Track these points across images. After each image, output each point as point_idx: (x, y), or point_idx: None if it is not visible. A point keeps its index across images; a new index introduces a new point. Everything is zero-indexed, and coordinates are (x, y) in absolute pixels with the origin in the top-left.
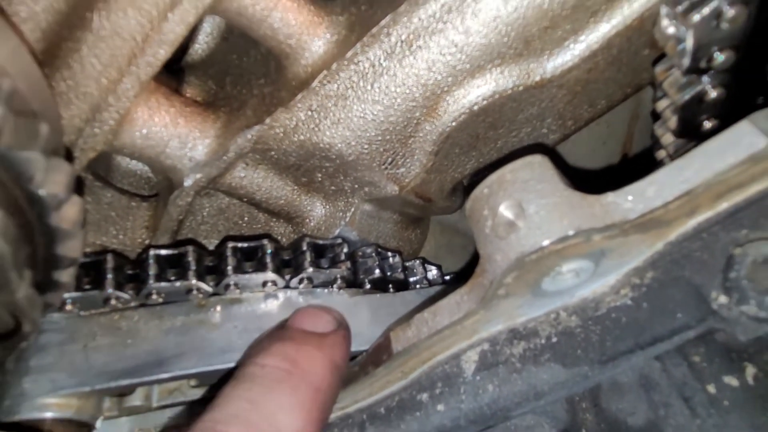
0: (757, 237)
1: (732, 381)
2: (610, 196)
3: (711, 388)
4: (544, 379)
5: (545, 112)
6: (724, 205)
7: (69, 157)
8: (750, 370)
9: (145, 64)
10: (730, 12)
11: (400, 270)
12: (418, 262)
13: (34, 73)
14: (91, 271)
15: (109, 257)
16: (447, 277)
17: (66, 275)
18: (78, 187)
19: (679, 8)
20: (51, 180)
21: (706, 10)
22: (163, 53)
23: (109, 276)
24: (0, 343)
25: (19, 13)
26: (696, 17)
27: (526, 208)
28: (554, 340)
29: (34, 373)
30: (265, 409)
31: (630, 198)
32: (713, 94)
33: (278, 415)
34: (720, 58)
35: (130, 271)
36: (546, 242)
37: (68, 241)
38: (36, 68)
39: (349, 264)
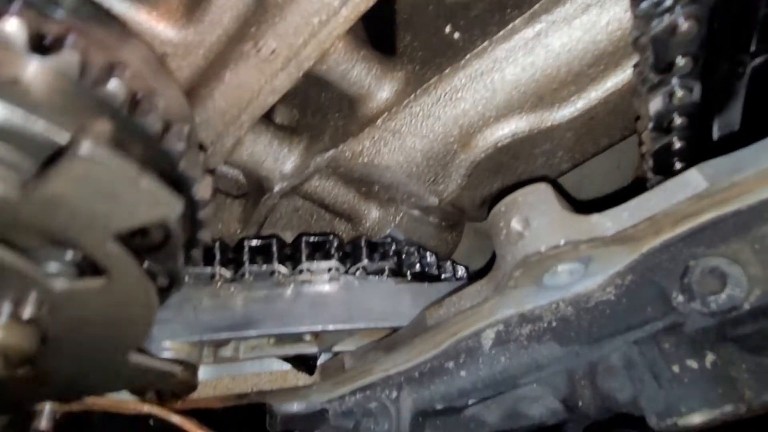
0: (710, 253)
1: (693, 364)
2: (595, 217)
3: (675, 368)
4: (545, 354)
5: (557, 148)
6: (681, 229)
7: None
8: (710, 358)
9: (258, 106)
10: (679, 92)
11: (435, 267)
12: (449, 262)
13: (190, 114)
14: (204, 254)
15: (217, 245)
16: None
17: (198, 252)
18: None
19: (644, 88)
20: (203, 189)
21: (662, 94)
22: (272, 100)
23: (217, 258)
24: (159, 296)
25: (171, 66)
26: (656, 98)
27: (530, 222)
28: (554, 324)
29: (159, 324)
30: None
31: (609, 219)
32: (678, 145)
33: None
34: (678, 120)
35: (231, 256)
36: (543, 248)
37: (205, 229)
38: (189, 110)
39: (395, 259)
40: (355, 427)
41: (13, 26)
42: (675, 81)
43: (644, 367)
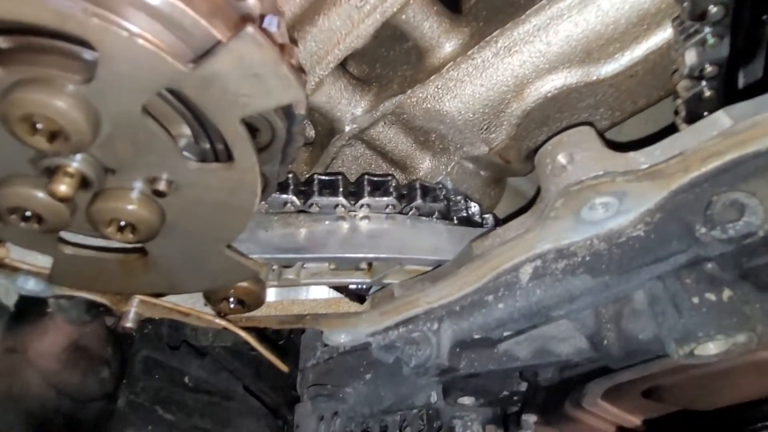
0: (732, 190)
1: (711, 297)
2: (631, 154)
3: (695, 299)
4: (577, 285)
5: (599, 104)
6: (707, 167)
7: None
8: (726, 293)
9: (343, 48)
10: (711, 40)
11: (478, 216)
12: (491, 215)
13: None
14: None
15: (291, 176)
16: None
17: (284, 170)
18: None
19: (682, 37)
20: (300, 105)
21: (696, 43)
22: (355, 43)
23: (291, 188)
24: None
25: None
26: (691, 47)
27: (574, 157)
28: (587, 258)
29: (236, 242)
30: None
31: (643, 155)
32: (707, 93)
33: None
34: (709, 69)
35: (302, 188)
36: (584, 177)
37: (293, 145)
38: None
39: (445, 203)
40: (397, 357)
41: None
42: (708, 29)
43: (667, 299)
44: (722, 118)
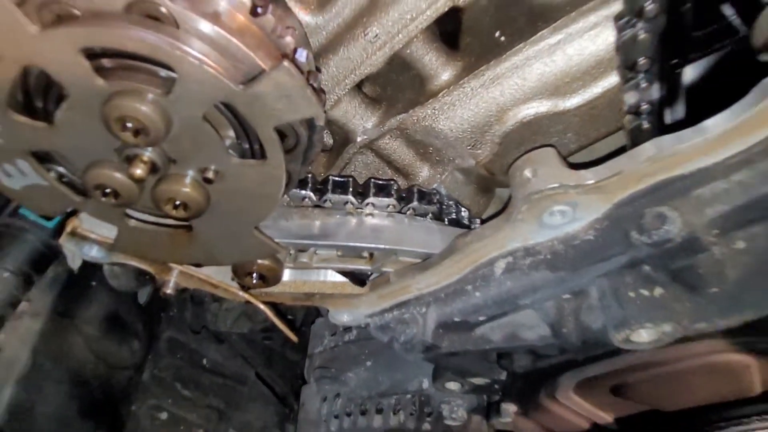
0: (659, 205)
1: (645, 293)
2: (582, 171)
3: (632, 294)
4: (539, 278)
5: (566, 130)
6: (641, 186)
7: None
8: (658, 290)
9: (358, 74)
10: (643, 84)
11: (467, 220)
12: (478, 220)
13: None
14: (299, 183)
15: (310, 176)
16: None
17: (305, 170)
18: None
19: (622, 81)
20: (320, 118)
21: (633, 86)
22: (369, 70)
23: (309, 185)
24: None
25: None
26: (629, 89)
27: (537, 171)
28: (548, 257)
29: (261, 228)
30: None
31: (591, 173)
32: (645, 126)
33: None
34: (644, 107)
35: (319, 186)
36: (543, 188)
37: (313, 150)
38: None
39: (438, 206)
40: (391, 342)
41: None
42: (640, 76)
43: (611, 294)
44: (650, 147)
